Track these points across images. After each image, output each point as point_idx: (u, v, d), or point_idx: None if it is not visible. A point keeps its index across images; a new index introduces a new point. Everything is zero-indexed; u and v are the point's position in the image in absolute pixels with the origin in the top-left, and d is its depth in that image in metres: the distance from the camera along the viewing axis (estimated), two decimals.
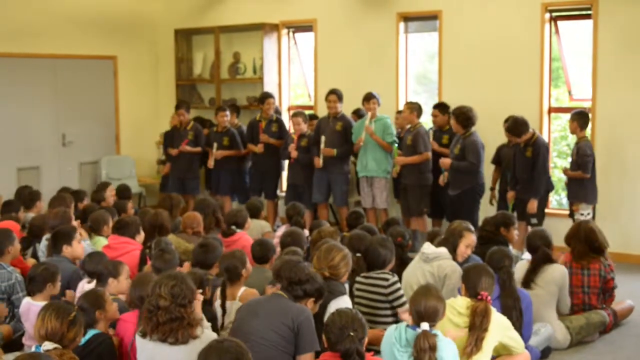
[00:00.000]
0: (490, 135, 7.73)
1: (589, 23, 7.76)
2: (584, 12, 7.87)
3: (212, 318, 4.22)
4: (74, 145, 10.09)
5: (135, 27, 10.74)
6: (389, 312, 4.72)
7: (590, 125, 7.26)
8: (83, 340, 3.70)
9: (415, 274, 5.13)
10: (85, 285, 4.64)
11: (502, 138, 7.56)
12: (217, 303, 4.46)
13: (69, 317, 3.52)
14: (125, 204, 7.22)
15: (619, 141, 7.63)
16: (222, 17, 10.29)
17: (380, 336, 3.90)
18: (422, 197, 7.79)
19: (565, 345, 5.29)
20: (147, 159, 10.88)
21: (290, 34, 10.04)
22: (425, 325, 3.58)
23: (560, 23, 8.10)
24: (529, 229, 6.82)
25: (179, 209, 6.97)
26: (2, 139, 9.33)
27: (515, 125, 7.05)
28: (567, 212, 7.37)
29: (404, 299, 4.69)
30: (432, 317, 3.63)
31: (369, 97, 8.08)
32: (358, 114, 8.63)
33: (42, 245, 5.81)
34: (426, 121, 8.17)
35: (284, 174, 9.19)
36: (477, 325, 3.92)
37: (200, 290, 3.98)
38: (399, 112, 8.54)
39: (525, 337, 4.49)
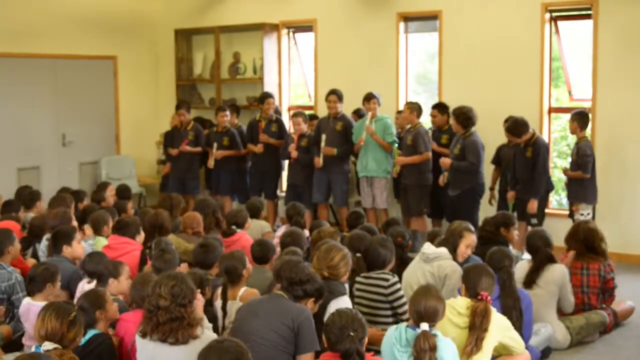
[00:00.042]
0: (490, 135, 7.73)
1: (589, 23, 7.76)
2: (584, 12, 7.87)
3: (212, 318, 4.22)
4: (74, 145, 10.09)
5: (135, 27, 10.74)
6: (388, 312, 4.72)
7: (590, 125, 7.26)
8: (83, 340, 3.70)
9: (416, 274, 5.13)
10: (85, 286, 4.64)
11: (502, 138, 7.56)
12: (217, 303, 4.46)
13: (69, 317, 3.52)
14: (125, 204, 7.22)
15: (619, 141, 7.63)
16: (222, 17, 10.29)
17: (380, 336, 3.90)
18: (422, 197, 7.79)
19: (565, 346, 5.29)
20: (147, 159, 10.88)
21: (291, 34, 10.04)
22: (425, 326, 3.58)
23: (560, 23, 8.10)
24: (529, 229, 6.82)
25: (179, 209, 6.97)
26: (2, 139, 9.33)
27: (515, 126, 7.05)
28: (567, 212, 7.37)
29: (404, 299, 4.69)
30: (432, 317, 3.63)
31: (369, 97, 8.08)
32: (358, 114, 8.63)
33: (43, 245, 5.81)
34: (425, 121, 8.17)
35: (284, 174, 9.19)
36: (477, 325, 3.92)
37: (200, 290, 3.99)
38: (399, 112, 8.54)
39: (525, 337, 4.49)
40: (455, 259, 5.14)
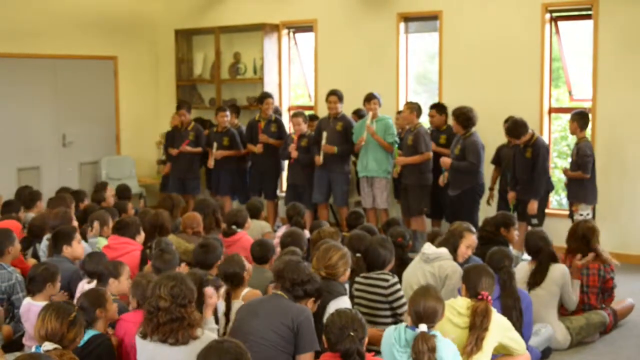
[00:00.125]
0: (490, 136, 7.73)
1: (589, 23, 7.76)
2: (584, 13, 7.87)
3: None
4: (74, 146, 10.09)
5: (135, 27, 10.74)
6: (388, 312, 4.72)
7: (590, 125, 7.26)
8: (81, 341, 3.70)
9: (416, 274, 5.13)
10: (85, 286, 4.63)
11: (502, 138, 7.56)
12: (219, 303, 4.45)
13: (69, 317, 3.51)
14: (125, 204, 7.22)
15: (619, 141, 7.63)
16: (223, 18, 10.29)
17: (380, 336, 3.89)
18: (423, 197, 7.79)
19: (566, 346, 5.29)
20: (147, 159, 10.88)
21: (291, 34, 10.04)
22: (423, 327, 3.58)
23: (560, 23, 8.10)
24: (529, 229, 6.82)
25: (179, 209, 6.97)
26: (3, 139, 9.33)
27: (515, 127, 7.05)
28: (567, 213, 7.37)
29: (403, 299, 4.69)
30: (431, 318, 3.62)
31: (369, 98, 8.08)
32: (358, 114, 8.63)
33: (43, 245, 5.81)
34: (424, 121, 8.16)
35: (284, 174, 9.19)
36: (478, 325, 3.92)
37: (212, 290, 4.00)
38: (399, 112, 8.54)
39: (526, 338, 4.49)
40: (455, 259, 5.14)
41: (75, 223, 6.04)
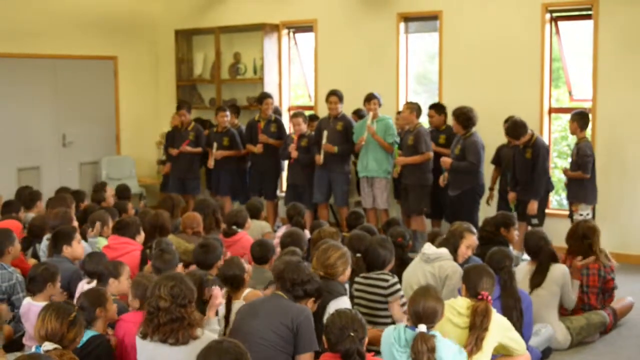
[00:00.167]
0: (490, 136, 7.72)
1: (589, 23, 7.76)
2: (584, 13, 7.87)
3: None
4: (74, 146, 10.09)
5: (135, 27, 10.74)
6: (388, 312, 4.71)
7: (590, 125, 7.26)
8: (80, 341, 3.69)
9: (416, 274, 5.13)
10: (85, 286, 4.63)
11: (502, 138, 7.56)
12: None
13: (69, 317, 3.51)
14: (125, 204, 7.22)
15: (619, 141, 7.63)
16: (223, 18, 10.29)
17: (380, 336, 3.89)
18: (423, 197, 7.78)
19: (566, 346, 5.29)
20: (147, 159, 10.88)
21: (291, 34, 10.04)
22: (422, 327, 3.58)
23: (560, 23, 8.10)
24: (529, 229, 6.82)
25: (179, 209, 6.97)
26: (3, 139, 9.33)
27: (514, 127, 7.06)
28: (567, 213, 7.37)
29: (403, 299, 4.68)
30: (431, 318, 3.62)
31: (370, 98, 8.08)
32: (358, 114, 8.63)
33: (43, 245, 5.81)
34: (423, 121, 8.16)
35: (284, 174, 9.19)
36: (478, 325, 3.92)
37: (219, 290, 4.00)
38: (399, 112, 8.54)
39: (526, 338, 4.49)
40: (455, 259, 5.14)
41: (75, 223, 6.04)
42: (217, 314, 4.30)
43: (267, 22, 9.75)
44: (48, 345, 3.41)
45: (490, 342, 3.94)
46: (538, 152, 7.01)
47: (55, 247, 5.28)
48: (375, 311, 4.72)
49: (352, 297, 4.75)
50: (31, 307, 4.40)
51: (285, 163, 8.92)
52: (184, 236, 5.86)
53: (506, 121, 7.38)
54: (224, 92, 10.31)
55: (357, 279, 4.86)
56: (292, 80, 10.25)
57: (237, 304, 4.36)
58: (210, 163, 8.99)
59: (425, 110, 8.10)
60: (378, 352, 3.84)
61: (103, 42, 10.27)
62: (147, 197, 10.43)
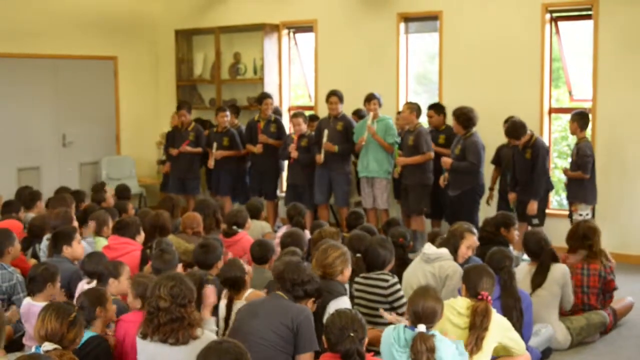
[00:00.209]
0: (490, 136, 7.72)
1: (589, 23, 7.76)
2: (584, 13, 7.87)
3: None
4: (74, 146, 10.09)
5: (135, 27, 10.74)
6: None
7: (590, 125, 7.26)
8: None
9: (416, 274, 5.13)
10: (85, 286, 4.63)
11: (502, 138, 7.56)
12: (222, 303, 4.45)
13: (69, 317, 3.51)
14: (125, 204, 7.22)
15: (619, 141, 7.63)
16: (223, 18, 10.29)
17: (380, 337, 3.89)
18: (423, 196, 7.78)
19: (566, 346, 5.29)
20: (147, 159, 10.88)
21: (291, 34, 10.04)
22: (422, 327, 3.58)
23: (560, 23, 8.10)
24: (529, 229, 6.82)
25: (179, 210, 6.97)
26: (3, 139, 9.33)
27: (514, 128, 7.06)
28: (567, 213, 7.37)
29: (404, 299, 4.68)
30: (430, 318, 3.62)
31: (370, 98, 8.08)
32: (358, 114, 8.63)
33: (43, 245, 5.80)
34: (423, 122, 8.16)
35: (284, 174, 9.19)
36: (478, 325, 3.92)
37: (211, 289, 3.99)
38: (399, 112, 8.53)
39: (526, 338, 4.49)
40: (455, 259, 5.14)
41: (75, 223, 6.04)
42: (217, 314, 4.30)
43: (267, 22, 9.75)
44: (48, 346, 3.41)
45: (490, 342, 3.95)
46: (538, 153, 7.01)
47: (55, 247, 5.28)
48: (376, 311, 4.71)
49: (352, 297, 4.75)
50: (31, 307, 4.40)
51: (285, 163, 8.92)
52: (184, 236, 5.86)
53: (506, 121, 7.38)
54: (224, 92, 10.31)
55: (357, 279, 4.86)
56: (292, 80, 10.25)
57: (238, 305, 4.36)
58: (211, 163, 8.99)
59: (424, 110, 8.10)
60: (378, 352, 3.84)
61: (103, 42, 10.27)
62: (147, 197, 10.43)
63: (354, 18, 9.25)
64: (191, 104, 9.80)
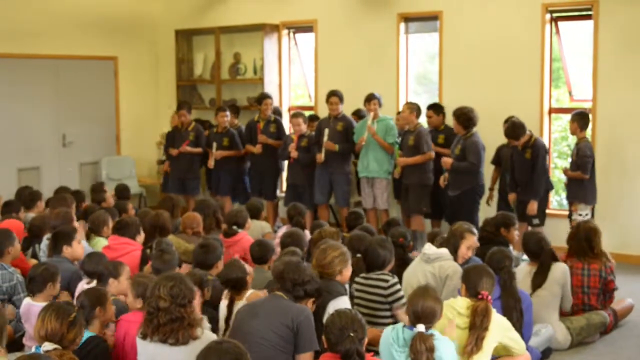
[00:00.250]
0: (490, 136, 7.72)
1: (589, 23, 7.76)
2: (584, 13, 7.88)
3: (211, 319, 4.21)
4: (74, 146, 10.09)
5: (135, 27, 10.75)
6: (388, 312, 4.71)
7: (590, 125, 7.26)
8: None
9: (416, 274, 5.12)
10: (85, 286, 4.63)
11: (502, 138, 7.56)
12: (222, 303, 4.44)
13: (69, 317, 3.51)
14: (125, 204, 7.22)
15: (619, 141, 7.64)
16: (223, 18, 10.29)
17: (380, 337, 3.89)
18: (423, 196, 7.78)
19: (566, 346, 5.29)
20: (147, 159, 10.88)
21: (291, 34, 10.04)
22: (421, 327, 3.58)
23: (560, 23, 8.10)
24: (528, 229, 6.82)
25: (179, 210, 6.97)
26: (3, 139, 9.33)
27: (513, 129, 7.07)
28: (567, 213, 7.37)
29: (404, 300, 4.68)
30: (429, 318, 3.62)
31: (370, 98, 8.08)
32: (358, 114, 8.63)
33: (43, 245, 5.81)
34: (423, 122, 8.17)
35: (284, 175, 9.19)
36: (478, 325, 3.92)
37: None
38: (399, 112, 8.53)
39: (526, 338, 4.49)
40: (455, 260, 5.14)
41: (75, 223, 6.04)
42: (217, 315, 4.30)
43: (267, 22, 9.75)
44: (48, 346, 3.41)
45: (490, 342, 3.95)
46: (537, 153, 7.01)
47: (55, 247, 5.28)
48: (375, 311, 4.71)
49: (352, 297, 4.75)
50: (31, 307, 4.40)
51: (285, 163, 8.92)
52: (184, 236, 5.86)
53: (506, 121, 7.38)
54: (224, 93, 10.31)
55: (357, 279, 4.86)
56: (292, 80, 10.25)
57: (239, 305, 4.36)
58: (211, 163, 8.99)
59: (423, 110, 8.10)
60: (378, 352, 3.84)
61: (103, 42, 10.27)
62: (147, 197, 10.44)
63: (354, 18, 9.25)
64: (191, 104, 9.79)
